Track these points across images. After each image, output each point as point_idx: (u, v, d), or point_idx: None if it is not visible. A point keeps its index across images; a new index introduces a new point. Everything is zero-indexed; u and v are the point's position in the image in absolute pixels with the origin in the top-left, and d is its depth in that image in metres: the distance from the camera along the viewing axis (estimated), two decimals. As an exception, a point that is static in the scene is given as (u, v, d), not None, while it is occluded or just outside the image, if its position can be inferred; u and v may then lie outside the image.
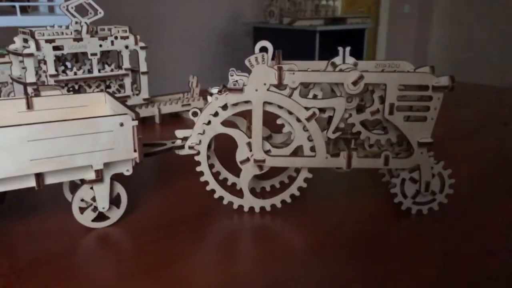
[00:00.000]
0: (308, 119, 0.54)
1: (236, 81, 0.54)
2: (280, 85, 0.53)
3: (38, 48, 0.84)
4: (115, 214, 0.55)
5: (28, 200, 0.61)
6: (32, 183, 0.49)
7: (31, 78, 0.84)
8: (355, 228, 0.55)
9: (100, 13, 0.93)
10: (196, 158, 0.57)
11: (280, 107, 0.54)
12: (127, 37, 0.94)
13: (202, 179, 0.58)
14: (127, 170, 0.54)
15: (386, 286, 0.44)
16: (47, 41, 0.85)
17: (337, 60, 0.56)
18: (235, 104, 0.54)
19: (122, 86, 0.97)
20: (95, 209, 0.53)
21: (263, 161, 0.56)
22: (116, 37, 0.93)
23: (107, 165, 0.52)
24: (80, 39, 0.89)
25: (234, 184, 0.63)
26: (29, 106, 0.59)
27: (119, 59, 0.96)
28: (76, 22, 0.92)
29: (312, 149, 0.55)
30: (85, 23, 0.90)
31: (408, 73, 0.54)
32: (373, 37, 4.40)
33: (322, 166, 0.56)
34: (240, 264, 0.48)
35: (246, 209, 0.58)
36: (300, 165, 0.56)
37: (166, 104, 1.01)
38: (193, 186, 0.62)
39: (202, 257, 0.49)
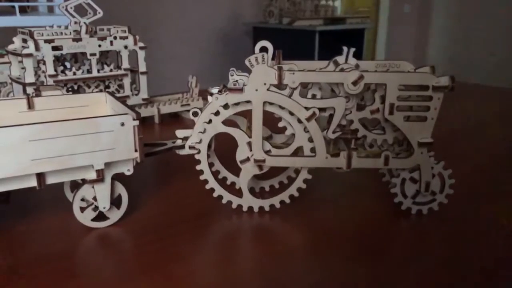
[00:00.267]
0: (308, 119, 0.54)
1: (236, 81, 0.54)
2: (280, 85, 0.53)
3: (37, 48, 0.84)
4: (115, 215, 0.55)
5: (29, 200, 0.61)
6: (33, 183, 0.49)
7: (30, 78, 0.84)
8: (354, 228, 0.55)
9: (99, 13, 0.93)
10: (196, 156, 0.57)
11: (281, 107, 0.54)
12: (126, 37, 0.94)
13: (202, 177, 0.58)
14: (128, 170, 0.54)
15: (386, 286, 0.44)
16: (46, 41, 0.85)
17: (340, 59, 0.56)
18: (237, 104, 0.54)
19: (121, 86, 0.97)
20: (95, 208, 0.53)
21: (263, 161, 0.56)
22: (115, 37, 0.93)
23: (108, 165, 0.52)
24: (79, 39, 0.89)
25: (233, 184, 0.63)
26: (30, 106, 0.59)
27: (118, 59, 0.96)
28: (75, 22, 0.91)
29: (313, 150, 0.55)
30: (84, 23, 0.90)
31: (408, 73, 0.54)
32: (373, 37, 4.40)
33: (322, 166, 0.56)
34: (239, 264, 0.48)
35: (245, 208, 0.58)
36: (300, 165, 0.56)
37: (165, 104, 1.01)
38: (193, 186, 0.62)
39: (202, 257, 0.49)
